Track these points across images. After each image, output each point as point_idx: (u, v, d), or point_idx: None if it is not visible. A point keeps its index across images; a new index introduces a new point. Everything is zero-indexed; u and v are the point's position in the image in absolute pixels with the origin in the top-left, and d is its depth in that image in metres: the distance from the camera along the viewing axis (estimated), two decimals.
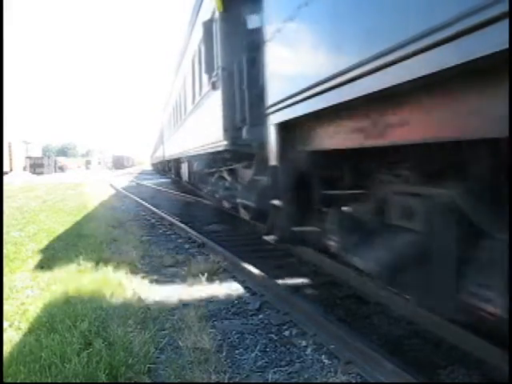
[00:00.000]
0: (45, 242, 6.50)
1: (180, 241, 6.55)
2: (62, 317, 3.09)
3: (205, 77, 7.17)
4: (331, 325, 2.91)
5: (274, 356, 2.70)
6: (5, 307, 3.49)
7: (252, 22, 5.30)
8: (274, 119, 3.40)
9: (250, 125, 5.05)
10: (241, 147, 5.46)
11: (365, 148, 2.31)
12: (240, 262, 4.74)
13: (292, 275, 4.34)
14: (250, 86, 5.05)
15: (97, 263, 4.76)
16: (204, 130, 7.59)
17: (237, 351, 2.78)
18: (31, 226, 8.23)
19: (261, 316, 3.37)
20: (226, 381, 2.37)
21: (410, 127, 1.88)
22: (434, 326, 2.80)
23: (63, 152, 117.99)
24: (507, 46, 1.18)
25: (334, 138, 2.70)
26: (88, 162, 78.68)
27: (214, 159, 7.73)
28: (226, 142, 5.67)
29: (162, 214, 9.00)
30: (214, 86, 6.13)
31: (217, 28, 5.95)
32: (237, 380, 2.42)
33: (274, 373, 2.48)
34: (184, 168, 13.94)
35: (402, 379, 2.19)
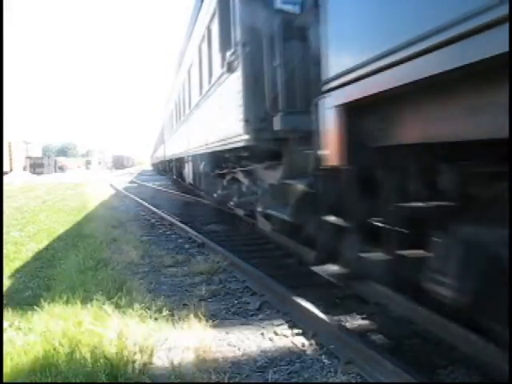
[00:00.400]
0: (45, 242, 6.50)
1: (180, 241, 6.55)
2: None
3: (216, 62, 6.04)
4: (331, 325, 2.91)
5: (274, 356, 2.70)
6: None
7: None
8: (336, 99, 2.48)
9: (286, 112, 3.91)
10: (266, 143, 4.37)
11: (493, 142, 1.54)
12: (240, 261, 4.74)
13: (292, 275, 4.34)
14: (286, 62, 3.92)
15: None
16: (214, 125, 6.45)
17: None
18: (31, 225, 8.23)
19: (261, 316, 3.38)
20: (225, 381, 2.37)
21: None
22: (433, 326, 2.80)
23: (63, 152, 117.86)
24: None
25: (441, 125, 1.85)
26: (88, 162, 78.63)
27: (226, 158, 6.63)
28: (246, 137, 4.52)
29: (162, 214, 8.99)
30: (229, 68, 4.96)
31: None
32: (237, 380, 2.42)
33: (274, 373, 2.48)
34: (188, 168, 12.25)
35: (402, 379, 2.19)
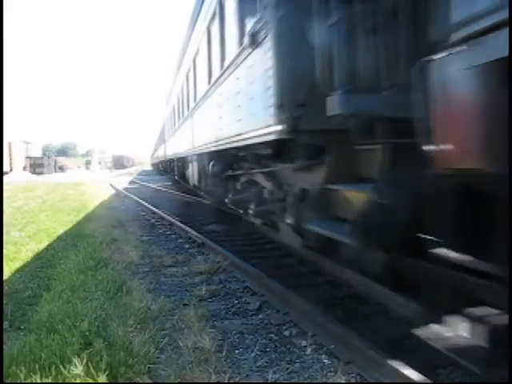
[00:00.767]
0: (45, 242, 6.50)
1: (180, 241, 6.55)
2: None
3: (231, 40, 5.07)
4: (331, 324, 2.91)
5: (274, 356, 2.70)
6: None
7: None
8: (485, 51, 1.60)
9: (346, 90, 2.59)
10: (306, 135, 3.31)
11: None
12: (240, 261, 4.74)
13: (292, 275, 4.34)
14: (349, 16, 2.70)
15: None
16: (228, 117, 5.38)
17: (237, 351, 2.79)
18: (31, 225, 8.23)
19: (261, 316, 3.38)
20: (226, 381, 2.37)
21: None
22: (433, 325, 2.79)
23: (63, 152, 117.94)
24: None
25: None
26: (88, 162, 78.60)
27: (241, 157, 5.58)
28: (278, 128, 3.37)
29: (162, 214, 8.99)
30: (253, 41, 3.91)
31: None
32: (237, 380, 2.42)
33: (274, 373, 2.48)
34: (192, 169, 10.73)
35: (402, 379, 2.19)
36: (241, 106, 4.61)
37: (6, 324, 3.19)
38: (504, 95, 1.51)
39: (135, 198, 13.31)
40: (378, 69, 2.63)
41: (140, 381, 2.37)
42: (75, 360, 2.41)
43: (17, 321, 3.35)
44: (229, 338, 2.96)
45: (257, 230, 6.40)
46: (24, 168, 42.36)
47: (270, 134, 3.58)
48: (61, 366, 2.38)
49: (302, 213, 3.62)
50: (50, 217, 9.51)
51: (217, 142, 6.06)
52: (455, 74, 1.72)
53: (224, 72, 5.45)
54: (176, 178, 18.02)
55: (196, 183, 10.13)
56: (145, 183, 21.85)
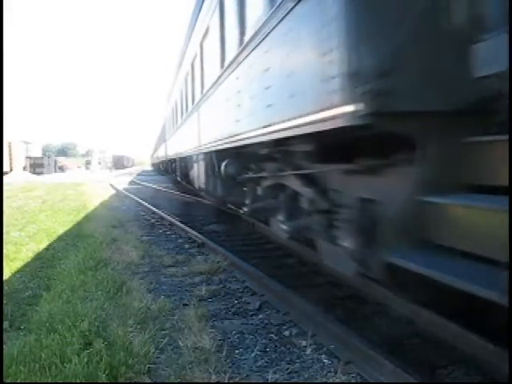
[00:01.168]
0: (45, 242, 6.50)
1: (180, 241, 6.55)
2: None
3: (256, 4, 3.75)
4: (331, 325, 2.91)
5: (274, 356, 2.70)
6: None
7: None
8: None
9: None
10: (392, 120, 2.01)
11: None
12: (240, 261, 4.74)
13: (292, 275, 4.34)
14: None
15: None
16: (249, 105, 4.07)
17: (237, 351, 2.79)
18: (31, 225, 8.23)
19: (261, 316, 3.38)
20: (226, 381, 2.37)
21: None
22: (434, 326, 2.80)
23: (63, 152, 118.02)
24: None
25: None
26: (88, 162, 78.69)
27: (264, 156, 4.32)
28: (350, 108, 2.07)
29: (162, 214, 8.99)
30: None
31: None
32: (237, 380, 2.42)
33: (274, 373, 2.48)
34: (197, 170, 9.17)
35: (402, 379, 2.19)
36: (271, 86, 3.41)
37: (6, 324, 3.19)
38: None
39: (135, 197, 13.31)
40: None
41: (140, 381, 2.38)
42: (75, 360, 2.42)
43: (17, 321, 3.35)
44: (229, 338, 2.97)
45: (256, 230, 6.40)
46: (24, 168, 42.34)
47: (330, 119, 2.30)
48: (61, 366, 2.38)
49: (376, 236, 2.38)
50: (49, 217, 9.51)
51: (232, 137, 4.83)
52: None
53: (246, 46, 4.09)
54: (178, 179, 16.08)
55: (202, 186, 8.39)
56: (145, 183, 21.86)
